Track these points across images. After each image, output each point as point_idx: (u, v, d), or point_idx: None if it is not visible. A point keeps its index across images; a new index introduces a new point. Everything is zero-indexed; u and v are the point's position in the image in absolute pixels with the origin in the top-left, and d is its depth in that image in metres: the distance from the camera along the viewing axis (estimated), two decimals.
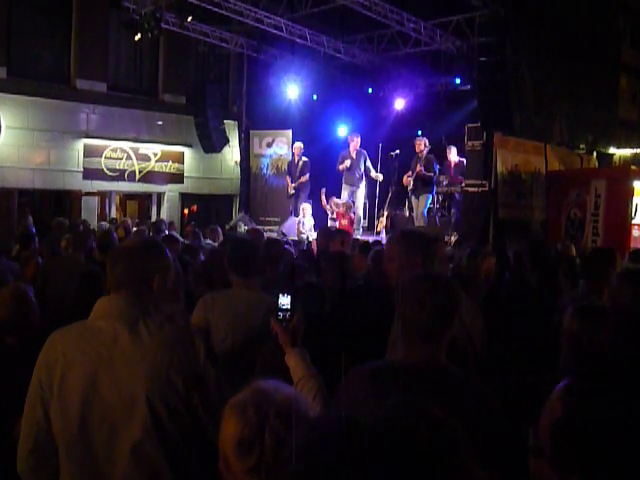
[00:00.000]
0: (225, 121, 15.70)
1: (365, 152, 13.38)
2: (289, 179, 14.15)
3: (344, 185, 13.59)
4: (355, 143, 13.23)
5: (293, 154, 14.28)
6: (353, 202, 13.30)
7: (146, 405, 2.07)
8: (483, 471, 0.99)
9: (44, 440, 2.09)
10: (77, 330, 2.19)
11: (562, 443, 0.99)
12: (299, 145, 14.12)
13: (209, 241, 8.93)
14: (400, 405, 1.02)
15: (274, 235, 11.96)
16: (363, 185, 13.52)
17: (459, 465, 0.95)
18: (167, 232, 9.31)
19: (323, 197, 13.51)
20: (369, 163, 13.32)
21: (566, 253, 6.78)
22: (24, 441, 2.11)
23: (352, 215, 12.79)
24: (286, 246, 6.57)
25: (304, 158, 13.98)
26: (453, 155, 12.96)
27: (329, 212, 13.40)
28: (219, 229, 9.72)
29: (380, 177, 13.35)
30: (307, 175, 13.84)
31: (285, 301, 2.41)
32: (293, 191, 14.08)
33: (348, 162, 13.10)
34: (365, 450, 0.91)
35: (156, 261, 2.30)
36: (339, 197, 13.67)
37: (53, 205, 15.07)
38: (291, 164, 14.32)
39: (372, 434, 0.93)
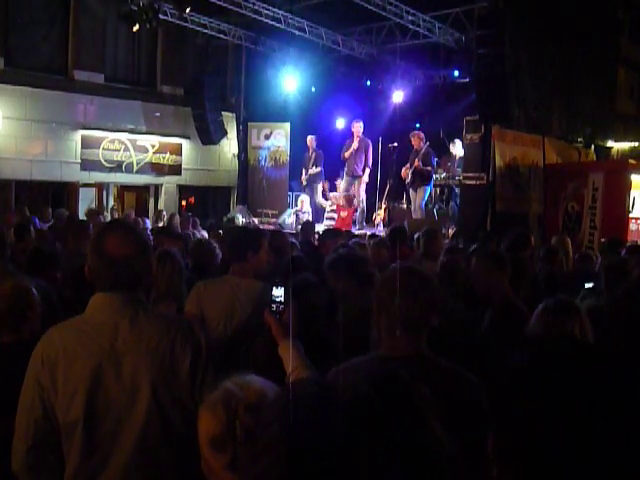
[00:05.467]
0: (223, 113, 15.68)
1: (369, 141, 13.37)
2: (304, 171, 14.21)
3: (345, 176, 13.60)
4: (357, 129, 13.25)
5: (308, 147, 14.31)
6: (353, 195, 13.32)
7: (150, 394, 2.09)
8: (444, 433, 1.05)
9: (42, 438, 2.08)
10: (75, 325, 2.19)
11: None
12: (311, 138, 14.21)
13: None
14: (373, 372, 1.09)
15: (272, 227, 12.01)
16: (366, 176, 13.47)
17: (424, 425, 1.02)
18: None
19: (322, 192, 13.59)
20: (370, 155, 13.32)
21: (562, 247, 6.79)
22: (21, 440, 2.09)
23: (353, 207, 12.79)
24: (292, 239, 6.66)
25: (318, 150, 14.05)
26: (459, 148, 12.96)
27: (326, 206, 13.43)
28: (191, 219, 9.95)
29: (365, 179, 13.37)
30: (319, 168, 13.92)
31: (278, 293, 2.42)
32: (305, 183, 14.14)
33: (356, 143, 13.14)
34: (336, 408, 0.97)
35: (148, 260, 2.29)
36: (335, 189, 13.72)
37: (50, 196, 15.04)
38: (305, 156, 14.35)
39: (345, 395, 0.99)
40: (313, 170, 14.01)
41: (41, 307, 3.12)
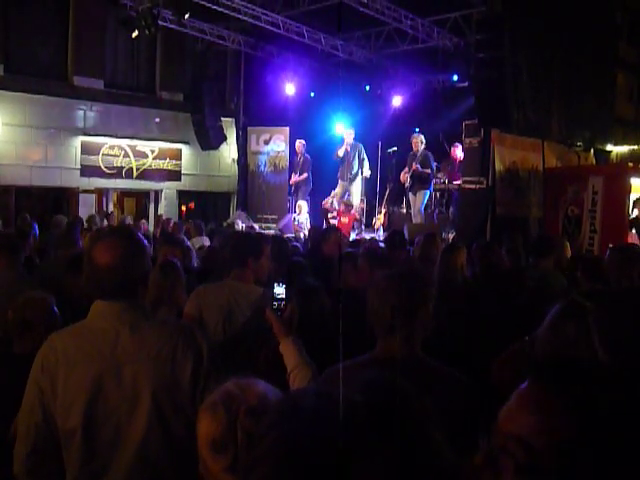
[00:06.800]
0: (222, 118, 15.69)
1: (361, 145, 13.39)
2: (293, 176, 14.25)
3: (339, 181, 13.63)
4: (347, 136, 13.29)
5: (296, 152, 14.34)
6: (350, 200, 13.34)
7: (151, 402, 2.09)
8: (449, 447, 1.03)
9: (43, 443, 2.08)
10: (76, 331, 2.19)
11: (577, 458, 0.95)
12: (299, 142, 14.19)
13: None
14: (370, 380, 1.07)
15: (271, 232, 12.00)
16: (358, 180, 13.51)
17: (425, 437, 1.00)
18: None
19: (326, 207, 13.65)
20: (364, 155, 13.36)
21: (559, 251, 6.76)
22: (22, 444, 2.09)
23: (353, 213, 12.79)
24: (295, 243, 6.66)
25: (305, 155, 14.05)
26: (459, 152, 12.98)
27: (329, 213, 13.43)
28: (183, 227, 10.01)
29: (367, 173, 13.41)
30: (305, 174, 13.92)
31: (280, 290, 2.43)
32: (293, 188, 14.19)
33: (342, 151, 13.19)
34: (334, 421, 0.95)
35: (144, 264, 2.27)
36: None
37: (50, 202, 15.06)
38: (294, 161, 14.41)
39: (342, 406, 0.98)
40: (298, 177, 14.03)
41: (58, 318, 3.12)
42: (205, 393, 2.10)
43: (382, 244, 7.05)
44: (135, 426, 2.09)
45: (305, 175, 13.99)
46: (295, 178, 14.10)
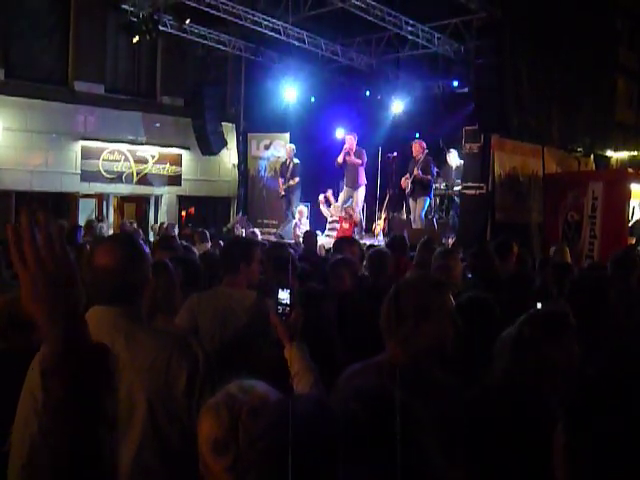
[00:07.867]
0: (223, 123, 15.70)
1: (363, 152, 13.36)
2: (281, 180, 14.21)
3: (344, 187, 13.60)
4: (348, 141, 13.24)
5: (286, 157, 14.34)
6: (353, 207, 13.32)
7: (146, 411, 2.08)
8: (441, 456, 1.04)
9: (39, 453, 2.07)
10: None
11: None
12: (291, 147, 14.20)
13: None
14: (366, 389, 1.08)
15: (272, 238, 12.01)
16: (363, 187, 13.49)
17: (416, 445, 1.00)
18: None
19: (324, 200, 13.57)
20: (364, 160, 13.33)
21: (559, 256, 6.75)
22: (16, 455, 2.06)
23: (355, 219, 12.79)
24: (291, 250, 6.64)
25: (295, 160, 14.03)
26: (455, 158, 12.97)
27: (328, 216, 13.42)
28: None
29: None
30: (297, 178, 13.90)
31: (284, 296, 2.44)
32: (283, 193, 14.15)
33: (341, 157, 13.18)
34: (330, 429, 0.95)
35: (144, 271, 2.26)
36: (337, 199, 13.71)
37: (50, 207, 15.04)
38: (283, 165, 14.38)
39: (339, 415, 0.98)
40: (292, 182, 14.01)
41: None
42: (201, 403, 2.09)
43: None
44: (131, 436, 2.08)
45: (297, 179, 13.98)
46: (289, 183, 14.03)
